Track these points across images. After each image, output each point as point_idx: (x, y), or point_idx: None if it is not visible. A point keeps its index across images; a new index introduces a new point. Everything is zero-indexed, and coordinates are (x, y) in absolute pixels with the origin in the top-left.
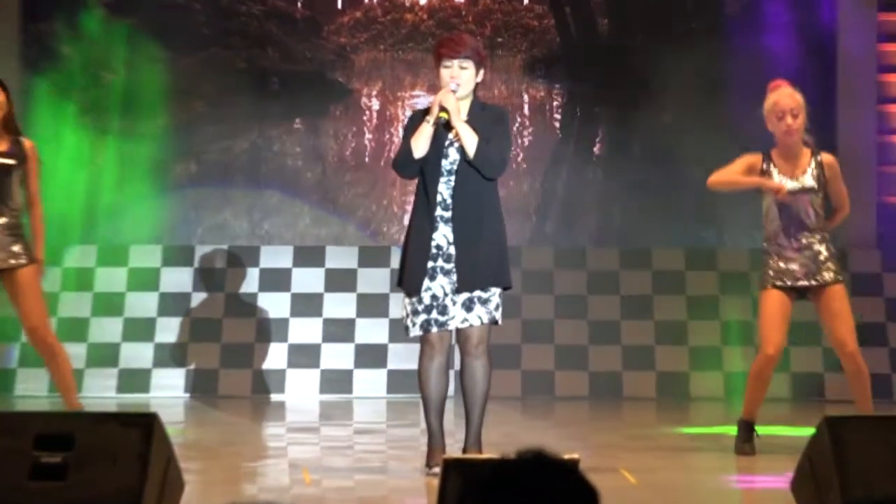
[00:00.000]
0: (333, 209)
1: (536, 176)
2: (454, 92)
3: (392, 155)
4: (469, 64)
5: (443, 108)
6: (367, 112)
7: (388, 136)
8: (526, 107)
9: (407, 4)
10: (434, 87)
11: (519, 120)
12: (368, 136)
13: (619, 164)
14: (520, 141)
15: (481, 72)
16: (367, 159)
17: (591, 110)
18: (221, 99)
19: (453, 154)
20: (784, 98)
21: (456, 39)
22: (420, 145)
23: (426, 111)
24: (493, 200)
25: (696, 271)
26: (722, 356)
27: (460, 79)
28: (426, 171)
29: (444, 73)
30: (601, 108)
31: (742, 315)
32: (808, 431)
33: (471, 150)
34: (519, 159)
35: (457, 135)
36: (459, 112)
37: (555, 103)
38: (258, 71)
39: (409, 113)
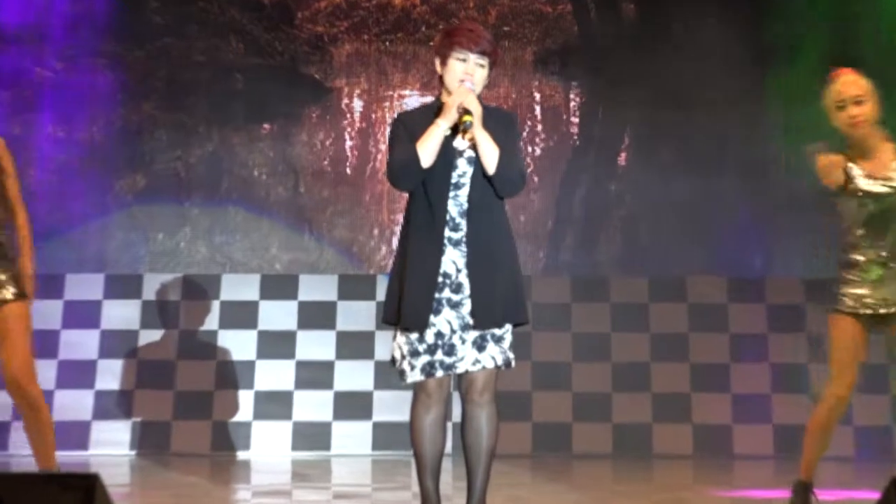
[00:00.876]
0: (309, 230)
1: (549, 191)
2: (472, 91)
3: (379, 165)
4: (486, 62)
5: (465, 111)
6: (349, 115)
7: (372, 144)
8: (537, 108)
9: None
10: (428, 85)
11: (529, 124)
12: (350, 143)
13: (648, 177)
14: (530, 149)
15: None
16: (348, 171)
17: (616, 112)
18: (175, 99)
19: (463, 165)
20: (845, 86)
21: (476, 30)
22: (430, 152)
23: (436, 111)
24: (505, 219)
25: (740, 304)
26: (771, 406)
27: (475, 77)
28: (430, 184)
29: (456, 66)
30: (627, 110)
31: (794, 357)
32: (875, 496)
33: (492, 164)
34: (529, 171)
35: (472, 142)
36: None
37: (572, 104)
38: (219, 66)
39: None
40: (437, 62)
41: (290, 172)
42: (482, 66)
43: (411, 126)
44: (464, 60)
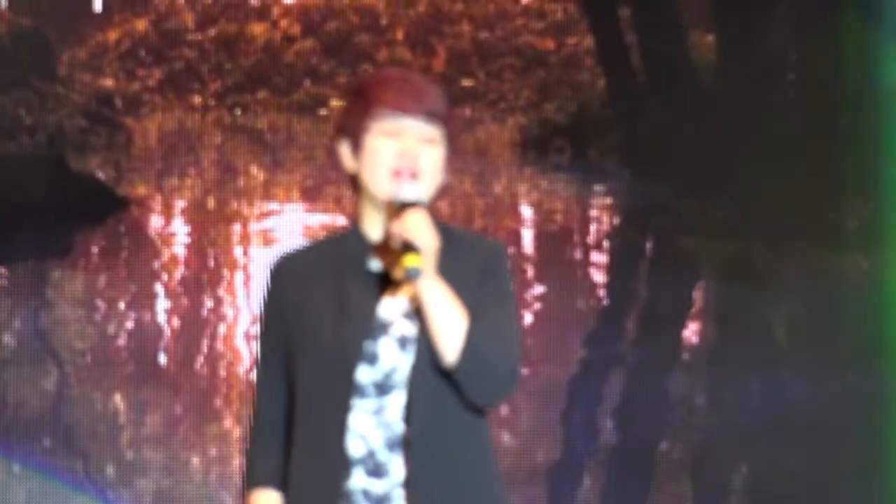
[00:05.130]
0: (84, 471)
1: (543, 408)
2: (417, 204)
3: (223, 349)
4: (437, 133)
5: (408, 247)
6: (166, 251)
7: (211, 304)
8: (526, 236)
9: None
10: (321, 192)
11: (521, 265)
12: (167, 304)
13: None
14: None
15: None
16: (161, 359)
17: (685, 254)
18: None
19: (389, 352)
20: None
21: (412, 79)
22: None
23: (351, 253)
24: (485, 448)
25: None
26: None
27: (420, 163)
28: (316, 386)
29: (380, 146)
30: (709, 251)
31: None
32: None
33: (451, 345)
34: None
35: (412, 300)
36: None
37: (592, 228)
38: None
39: (270, 258)
40: (344, 147)
41: (46, 360)
42: (431, 141)
43: (300, 289)
44: (394, 136)
